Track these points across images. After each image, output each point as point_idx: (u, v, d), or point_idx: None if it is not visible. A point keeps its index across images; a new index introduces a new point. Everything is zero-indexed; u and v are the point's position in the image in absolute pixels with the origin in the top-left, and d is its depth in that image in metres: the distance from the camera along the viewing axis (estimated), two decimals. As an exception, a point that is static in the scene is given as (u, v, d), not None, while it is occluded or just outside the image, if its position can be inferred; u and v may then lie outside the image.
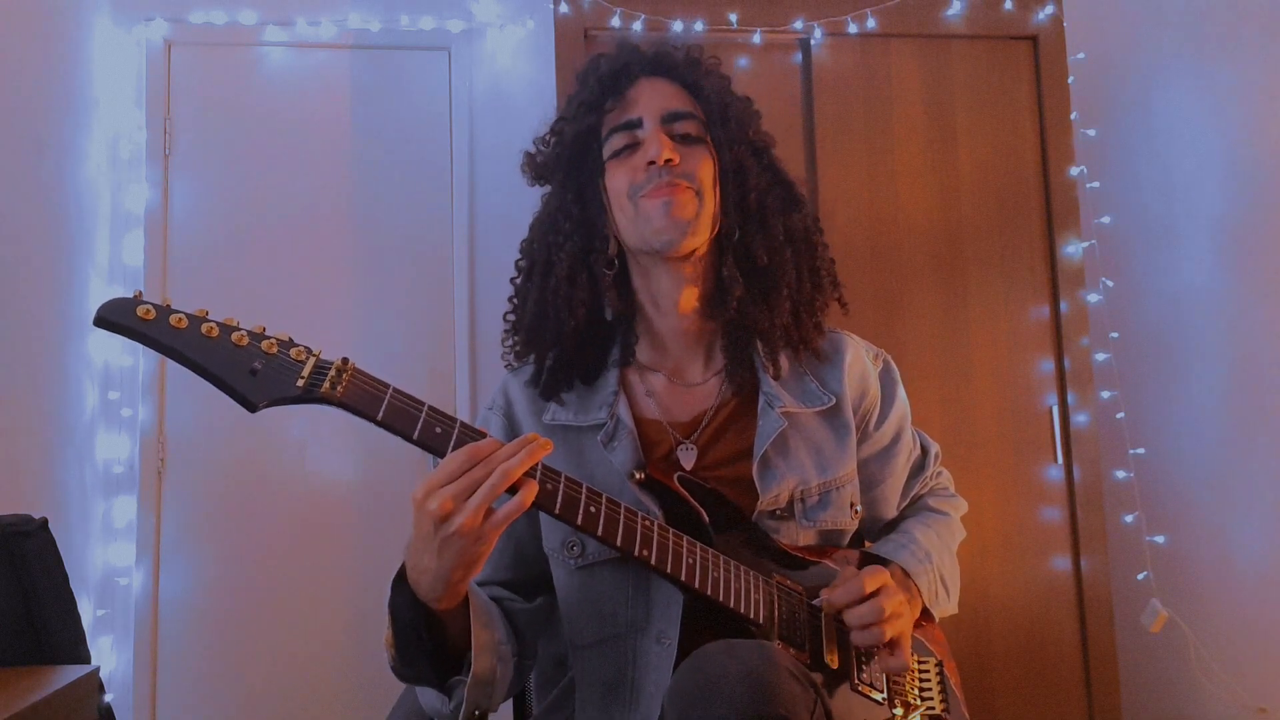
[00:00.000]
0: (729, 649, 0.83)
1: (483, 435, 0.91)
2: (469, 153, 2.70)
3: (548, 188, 1.21)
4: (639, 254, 1.15)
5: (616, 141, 1.12)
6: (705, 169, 1.11)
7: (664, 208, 1.08)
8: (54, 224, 2.28)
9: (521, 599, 1.14)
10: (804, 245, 1.17)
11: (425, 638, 0.95)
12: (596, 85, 1.14)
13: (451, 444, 0.88)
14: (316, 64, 2.70)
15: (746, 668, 0.80)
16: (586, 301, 1.14)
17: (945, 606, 1.21)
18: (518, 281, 1.20)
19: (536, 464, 0.89)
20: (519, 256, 1.21)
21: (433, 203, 2.69)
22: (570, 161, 1.15)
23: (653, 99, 1.12)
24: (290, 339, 0.87)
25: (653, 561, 0.95)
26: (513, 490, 0.87)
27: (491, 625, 1.00)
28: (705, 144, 1.13)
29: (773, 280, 1.14)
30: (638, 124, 1.11)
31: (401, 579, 0.94)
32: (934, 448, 1.33)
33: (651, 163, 1.08)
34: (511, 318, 1.20)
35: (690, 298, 1.15)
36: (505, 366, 1.23)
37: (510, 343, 1.21)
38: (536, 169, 1.20)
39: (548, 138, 1.19)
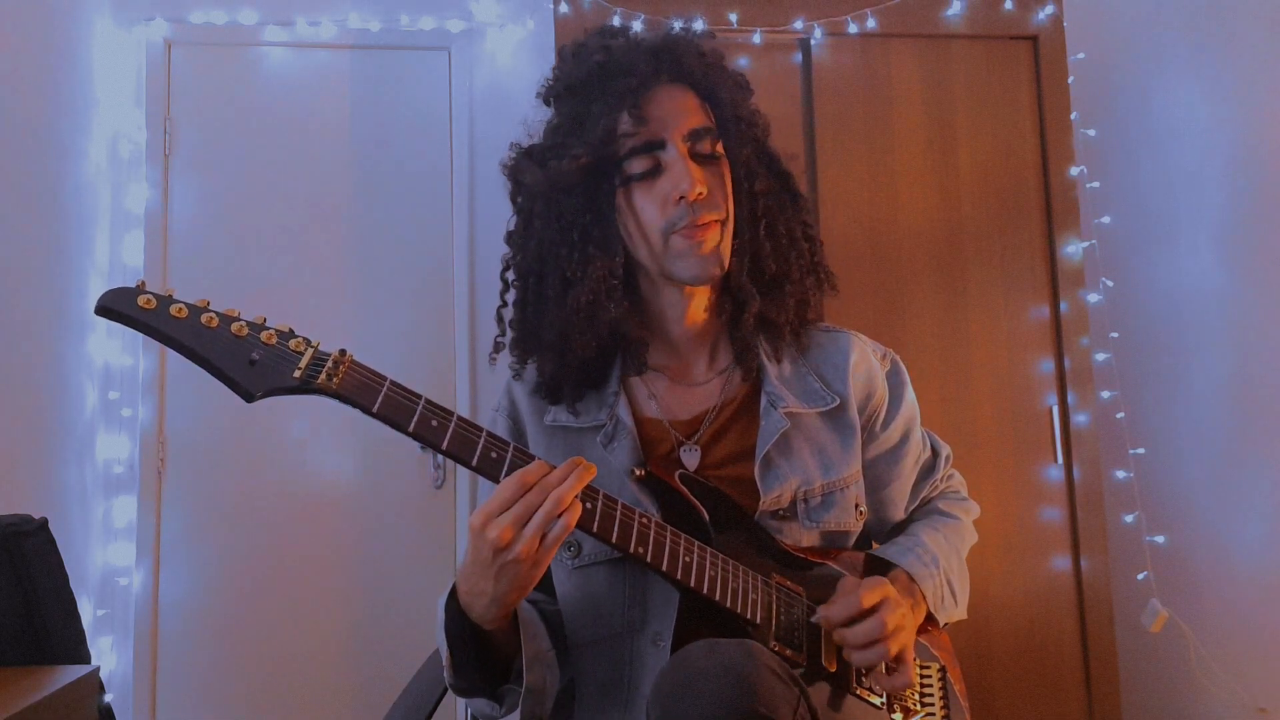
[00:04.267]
0: (711, 647, 0.82)
1: (480, 431, 0.91)
2: (469, 153, 2.70)
3: (533, 199, 1.13)
4: (653, 274, 1.12)
5: (638, 165, 1.06)
6: (724, 189, 1.09)
7: (698, 248, 1.06)
8: (54, 224, 2.28)
9: (549, 599, 1.14)
10: (805, 243, 1.17)
11: (474, 652, 0.98)
12: (615, 103, 1.04)
13: (447, 437, 0.88)
14: (316, 64, 2.70)
15: (728, 665, 0.79)
16: (611, 322, 1.09)
17: (953, 612, 1.18)
18: (525, 290, 1.14)
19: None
20: (516, 269, 1.15)
21: (433, 203, 2.70)
22: (588, 183, 1.07)
23: (673, 115, 1.06)
24: (291, 330, 0.88)
25: (648, 559, 0.94)
26: None
27: (538, 636, 1.02)
28: (722, 158, 1.10)
29: (779, 283, 1.13)
30: (661, 145, 1.05)
31: (450, 600, 0.96)
32: (945, 450, 1.31)
33: (682, 197, 1.04)
34: (521, 324, 1.14)
35: (699, 308, 1.15)
36: (510, 368, 1.20)
37: (516, 355, 1.16)
38: (548, 184, 1.08)
39: (557, 152, 1.08)
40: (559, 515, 0.86)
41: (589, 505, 0.91)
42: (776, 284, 1.14)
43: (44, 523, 1.29)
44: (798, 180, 1.20)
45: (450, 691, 1.03)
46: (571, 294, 1.08)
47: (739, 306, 1.13)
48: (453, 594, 0.96)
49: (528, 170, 1.11)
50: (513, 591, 0.90)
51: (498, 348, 1.18)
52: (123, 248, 2.58)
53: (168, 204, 2.61)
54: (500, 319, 1.18)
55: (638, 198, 1.07)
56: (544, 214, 1.11)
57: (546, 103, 1.16)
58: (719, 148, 1.10)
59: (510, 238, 1.16)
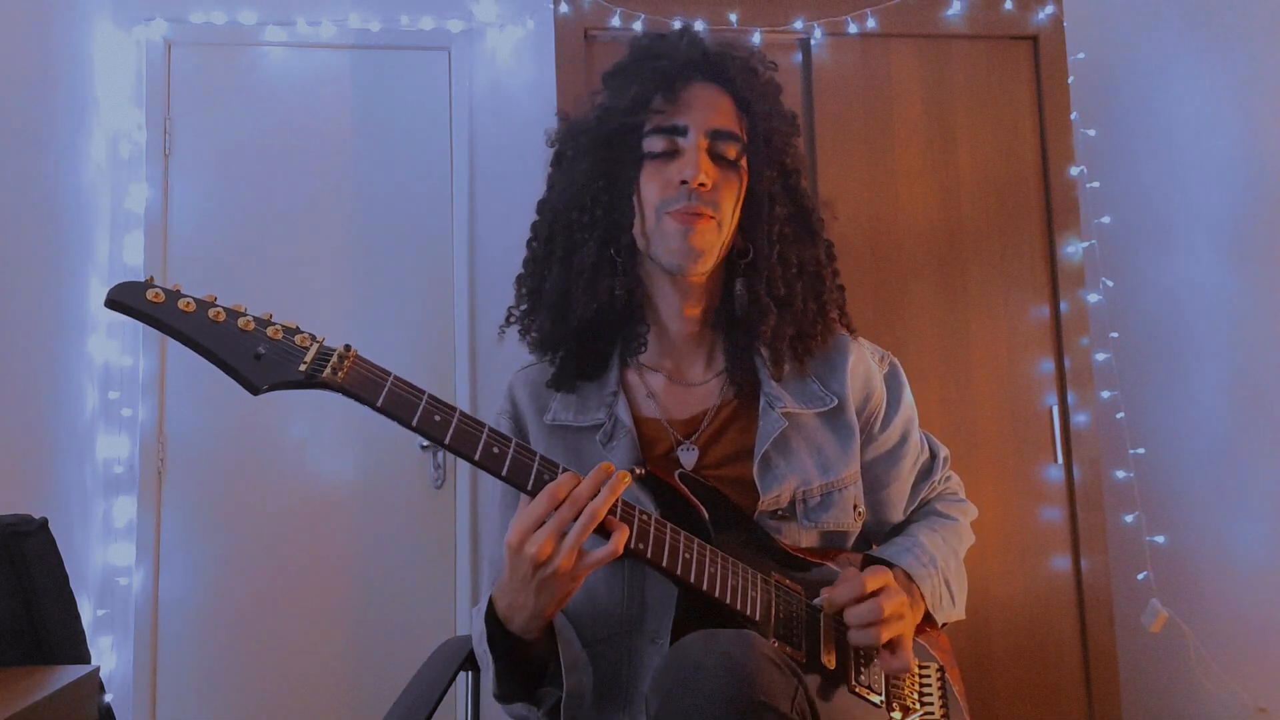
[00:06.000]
0: (709, 639, 0.83)
1: (482, 427, 0.91)
2: (469, 153, 2.70)
3: (560, 161, 1.20)
4: (650, 260, 1.15)
5: (656, 143, 1.10)
6: (731, 196, 1.11)
7: (683, 234, 1.08)
8: (54, 224, 2.28)
9: None
10: (813, 277, 1.18)
11: (509, 661, 1.02)
12: (651, 80, 1.11)
13: (450, 432, 0.89)
14: (316, 64, 2.70)
15: (726, 656, 0.80)
16: (609, 289, 1.12)
17: (951, 612, 1.19)
18: (534, 249, 1.19)
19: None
20: (533, 229, 1.20)
21: (433, 203, 2.70)
22: (608, 147, 1.13)
23: (703, 109, 1.11)
24: (297, 327, 0.89)
25: (648, 555, 0.94)
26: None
27: (573, 642, 1.03)
28: (740, 168, 1.12)
29: (781, 306, 1.14)
30: (683, 131, 1.09)
31: (488, 613, 1.00)
32: (943, 452, 1.32)
33: (684, 182, 1.07)
34: (529, 283, 1.18)
35: (695, 307, 1.16)
36: (514, 326, 1.21)
37: (528, 322, 1.19)
38: (572, 142, 1.17)
39: (591, 114, 1.16)
40: (595, 529, 0.89)
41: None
42: (784, 307, 1.15)
43: (44, 523, 1.29)
44: (819, 212, 1.20)
45: (495, 700, 1.06)
46: (577, 255, 1.13)
47: (734, 314, 1.15)
48: (489, 607, 0.99)
49: (562, 133, 1.19)
50: (551, 604, 0.93)
51: (509, 319, 1.21)
52: (123, 248, 2.58)
53: (168, 204, 2.61)
54: (518, 287, 1.21)
55: (647, 175, 1.11)
56: (566, 175, 1.16)
57: (604, 84, 1.19)
58: (742, 160, 1.12)
59: (538, 206, 1.21)
